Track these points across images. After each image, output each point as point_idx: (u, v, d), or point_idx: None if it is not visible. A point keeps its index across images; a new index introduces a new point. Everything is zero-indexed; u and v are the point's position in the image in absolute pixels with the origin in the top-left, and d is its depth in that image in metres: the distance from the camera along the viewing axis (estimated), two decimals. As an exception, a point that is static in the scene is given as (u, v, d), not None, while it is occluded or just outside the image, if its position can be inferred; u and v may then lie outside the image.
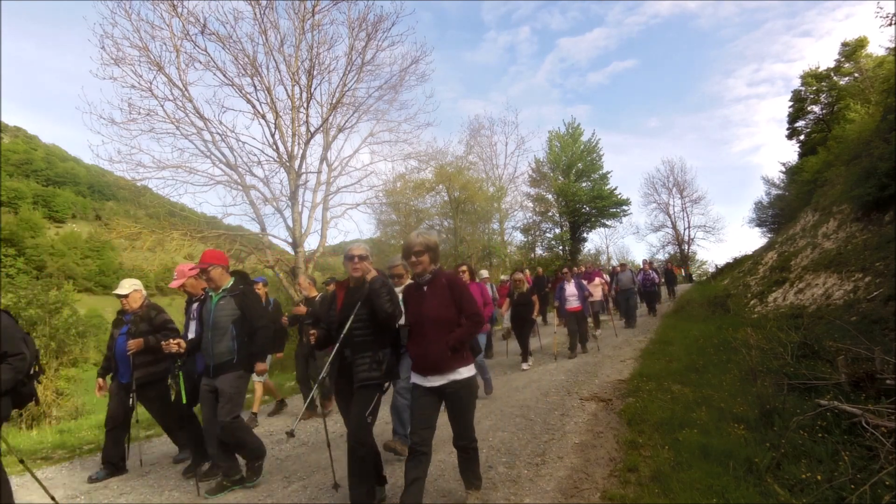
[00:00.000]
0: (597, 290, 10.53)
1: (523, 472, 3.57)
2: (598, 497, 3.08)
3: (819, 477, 2.81)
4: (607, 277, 15.31)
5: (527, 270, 11.28)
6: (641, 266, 15.16)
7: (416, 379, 2.93)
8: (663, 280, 19.29)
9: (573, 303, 8.55)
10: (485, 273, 9.48)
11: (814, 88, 24.04)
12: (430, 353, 2.82)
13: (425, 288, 2.97)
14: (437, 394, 2.86)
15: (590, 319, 9.37)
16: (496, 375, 7.27)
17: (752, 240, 56.22)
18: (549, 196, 29.14)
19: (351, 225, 59.58)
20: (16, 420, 10.42)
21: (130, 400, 4.28)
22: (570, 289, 8.64)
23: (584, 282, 10.09)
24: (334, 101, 12.48)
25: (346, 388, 3.05)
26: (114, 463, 4.29)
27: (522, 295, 7.95)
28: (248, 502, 3.49)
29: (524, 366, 7.79)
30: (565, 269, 9.14)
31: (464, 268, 6.33)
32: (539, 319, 13.15)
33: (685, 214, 36.79)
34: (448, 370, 2.82)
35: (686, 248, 36.69)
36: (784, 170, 29.64)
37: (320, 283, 7.12)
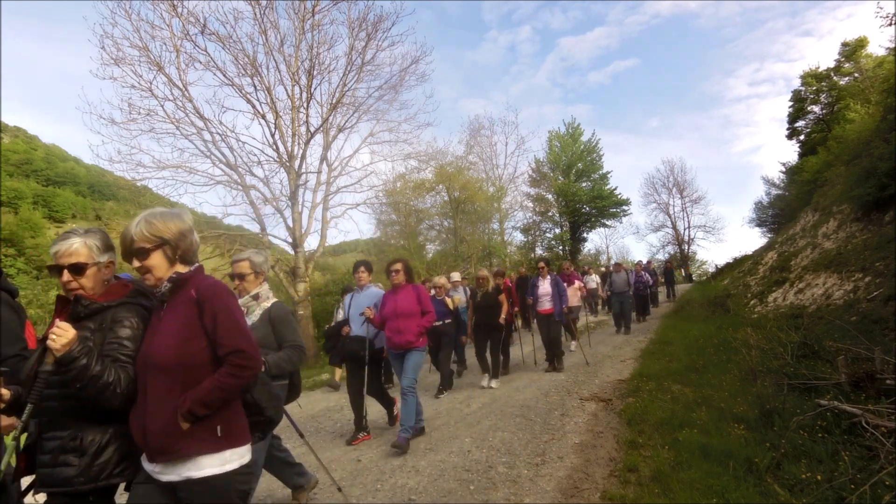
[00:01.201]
0: (574, 295, 9.11)
1: (523, 472, 3.57)
2: (598, 497, 3.08)
3: (819, 477, 2.81)
4: (597, 279, 14.57)
5: (511, 271, 10.11)
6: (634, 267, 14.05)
7: (144, 462, 1.65)
8: (663, 280, 18.97)
9: (545, 304, 7.24)
10: (456, 276, 8.41)
11: (814, 88, 24.05)
12: (148, 423, 1.56)
13: (165, 306, 1.71)
14: (169, 494, 1.60)
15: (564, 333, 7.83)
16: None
17: (752, 240, 56.34)
18: (549, 196, 29.18)
19: (351, 225, 59.57)
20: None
21: None
22: (545, 287, 7.31)
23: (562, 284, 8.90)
24: (334, 101, 12.51)
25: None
26: None
27: (487, 296, 6.78)
28: (248, 502, 3.49)
29: (489, 382, 6.48)
30: (541, 264, 7.66)
31: (397, 266, 4.53)
32: (520, 325, 11.55)
33: (685, 214, 36.90)
34: (179, 457, 1.55)
35: (686, 248, 36.75)
36: (784, 170, 29.69)
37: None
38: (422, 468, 3.78)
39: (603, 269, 16.99)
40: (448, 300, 6.95)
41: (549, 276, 7.40)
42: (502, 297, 6.82)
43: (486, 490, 3.29)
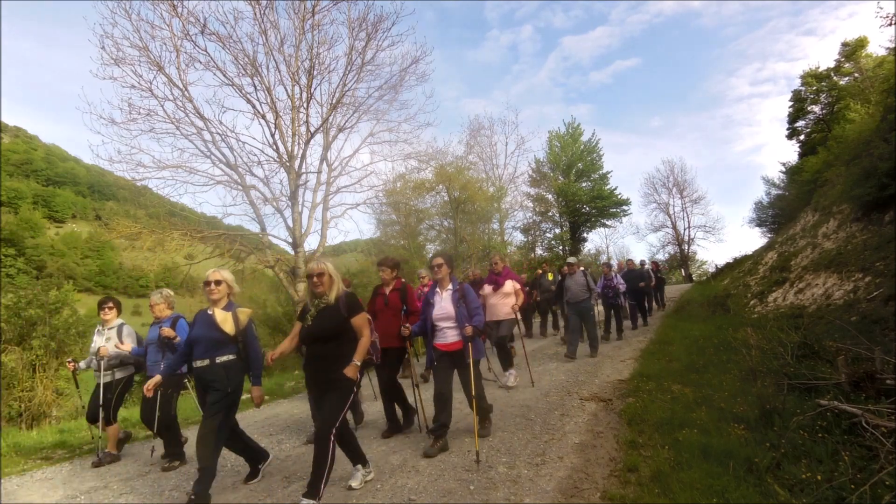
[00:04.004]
0: (507, 302, 6.25)
1: (523, 472, 3.56)
2: (598, 497, 3.08)
3: (819, 477, 2.81)
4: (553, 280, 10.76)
5: (422, 271, 6.01)
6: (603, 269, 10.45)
7: None
8: (653, 282, 14.35)
9: (448, 335, 4.26)
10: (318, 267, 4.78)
11: (814, 88, 24.04)
12: None
13: None
14: None
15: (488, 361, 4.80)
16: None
17: (752, 240, 56.48)
18: (549, 196, 29.22)
19: (351, 225, 59.76)
20: (16, 420, 10.44)
21: None
22: (444, 305, 4.28)
23: (489, 288, 6.30)
24: (334, 101, 12.49)
25: None
26: None
27: (325, 316, 3.39)
28: (247, 502, 3.49)
29: (352, 480, 3.47)
30: (438, 260, 4.38)
31: None
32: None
33: (685, 214, 36.95)
34: None
35: (686, 248, 36.76)
36: (784, 170, 29.68)
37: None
38: (422, 468, 3.78)
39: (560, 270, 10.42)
40: (223, 317, 3.60)
41: (450, 286, 4.36)
42: (361, 321, 3.42)
43: (486, 490, 3.29)
